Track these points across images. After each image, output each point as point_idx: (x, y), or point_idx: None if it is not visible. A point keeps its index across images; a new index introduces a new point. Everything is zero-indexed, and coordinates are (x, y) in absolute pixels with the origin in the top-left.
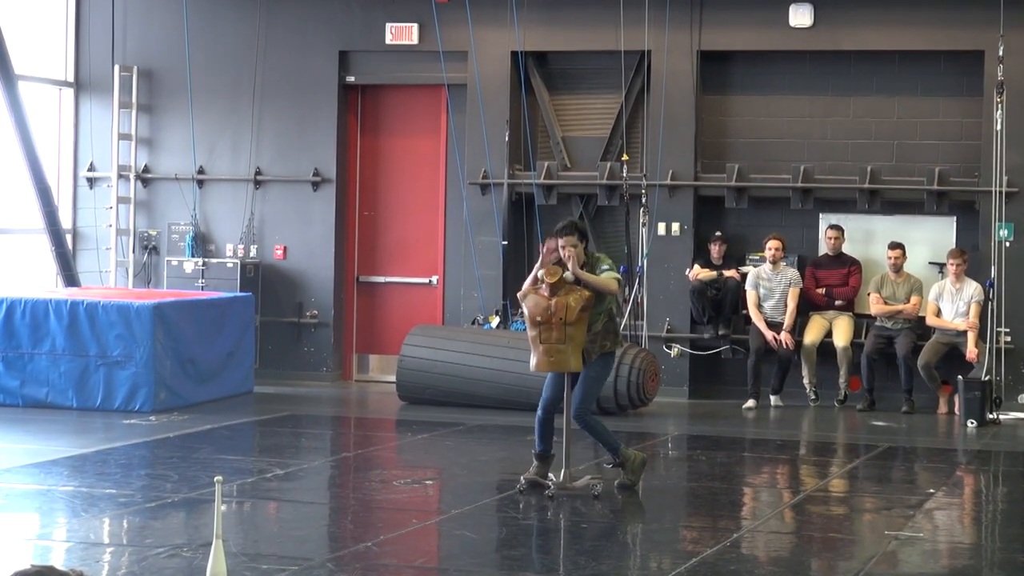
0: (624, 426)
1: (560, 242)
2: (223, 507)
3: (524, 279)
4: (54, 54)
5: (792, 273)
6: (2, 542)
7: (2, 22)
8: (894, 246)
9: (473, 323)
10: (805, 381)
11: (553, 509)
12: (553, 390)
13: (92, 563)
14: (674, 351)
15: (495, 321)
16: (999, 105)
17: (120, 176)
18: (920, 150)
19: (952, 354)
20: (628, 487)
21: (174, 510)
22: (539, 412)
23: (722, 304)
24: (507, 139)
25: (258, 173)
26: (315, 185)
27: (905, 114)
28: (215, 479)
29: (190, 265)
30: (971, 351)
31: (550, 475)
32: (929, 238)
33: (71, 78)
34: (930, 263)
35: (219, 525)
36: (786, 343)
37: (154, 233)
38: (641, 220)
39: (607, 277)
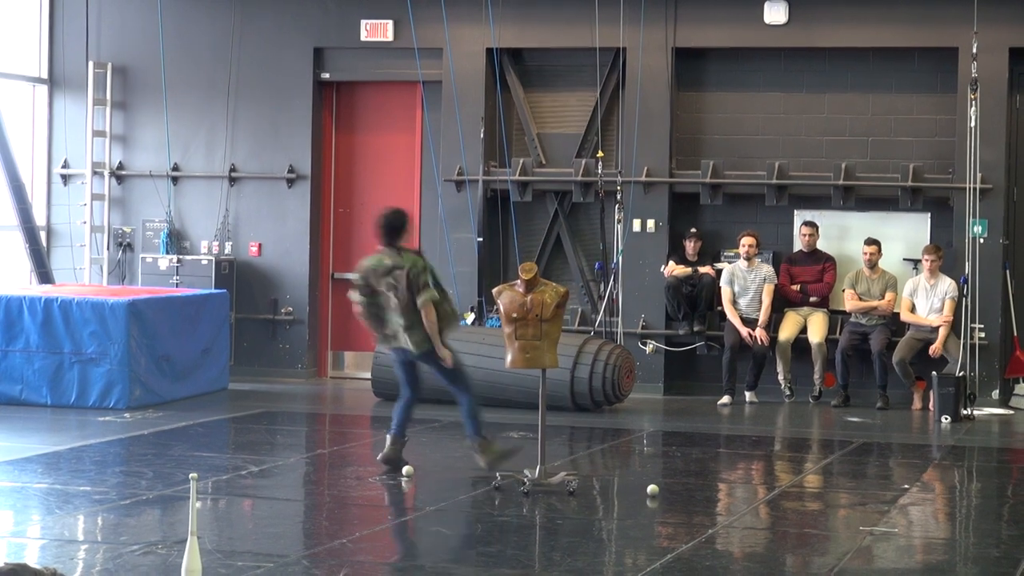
0: (599, 422)
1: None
2: (198, 504)
3: (500, 276)
4: (28, 50)
5: (767, 269)
6: None
7: None
8: (869, 242)
9: None
10: (780, 377)
11: (528, 505)
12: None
13: (66, 560)
14: (649, 347)
15: (470, 318)
16: (973, 102)
17: (94, 173)
18: (894, 147)
19: (927, 350)
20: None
21: (149, 507)
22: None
23: (697, 300)
24: (482, 136)
25: (233, 170)
26: (290, 182)
27: (879, 111)
28: (190, 476)
29: (165, 262)
30: (936, 346)
31: (525, 471)
32: (904, 234)
33: (45, 75)
34: (905, 259)
35: (194, 522)
36: (761, 339)
37: (129, 230)
38: (616, 217)
39: (425, 301)
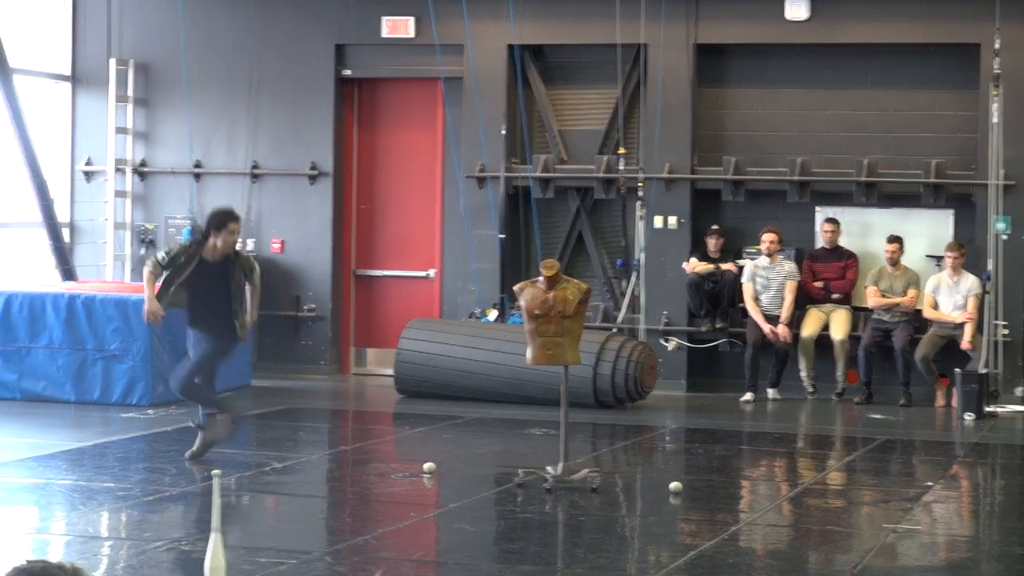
0: (621, 419)
1: (231, 227)
2: (221, 500)
3: (522, 272)
4: (51, 48)
5: (789, 266)
6: (0, 536)
7: None
8: (892, 239)
9: (470, 316)
10: (802, 374)
11: (551, 502)
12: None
13: (90, 557)
14: (671, 344)
15: (492, 314)
16: (995, 98)
17: (117, 170)
18: (917, 143)
19: (949, 347)
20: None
21: (172, 503)
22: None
23: (719, 297)
24: (504, 132)
25: (255, 167)
26: (312, 179)
27: (901, 107)
28: (213, 473)
29: None
30: (966, 341)
31: (548, 468)
32: (926, 231)
33: (68, 72)
34: (927, 256)
35: (217, 518)
36: (783, 336)
37: (151, 227)
38: (638, 213)
39: (258, 281)
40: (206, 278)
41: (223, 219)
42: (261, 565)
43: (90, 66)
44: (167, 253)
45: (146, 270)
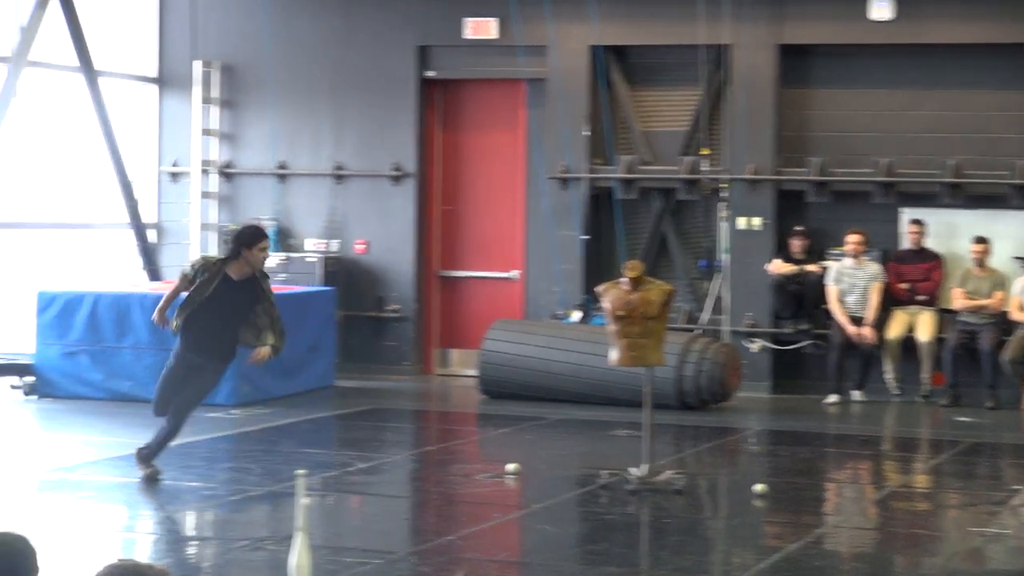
0: (705, 421)
1: (261, 244)
2: (306, 500)
3: (605, 274)
4: (137, 50)
5: (874, 268)
6: (89, 535)
7: (84, 19)
8: (978, 240)
9: (554, 317)
10: (888, 376)
11: (635, 504)
12: (182, 383)
13: (177, 556)
14: (755, 346)
15: (576, 315)
16: None
17: (202, 171)
18: (1004, 144)
19: None
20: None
21: (257, 503)
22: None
23: (804, 299)
24: (587, 133)
25: (339, 168)
26: (395, 180)
27: (988, 107)
28: (297, 472)
29: (272, 260)
30: None
31: (631, 469)
32: (1013, 232)
33: (154, 74)
34: (1014, 258)
35: (302, 518)
36: (869, 338)
37: (235, 227)
38: (721, 215)
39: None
40: (227, 296)
41: (253, 237)
42: (346, 565)
43: (176, 68)
44: (193, 266)
45: (178, 277)
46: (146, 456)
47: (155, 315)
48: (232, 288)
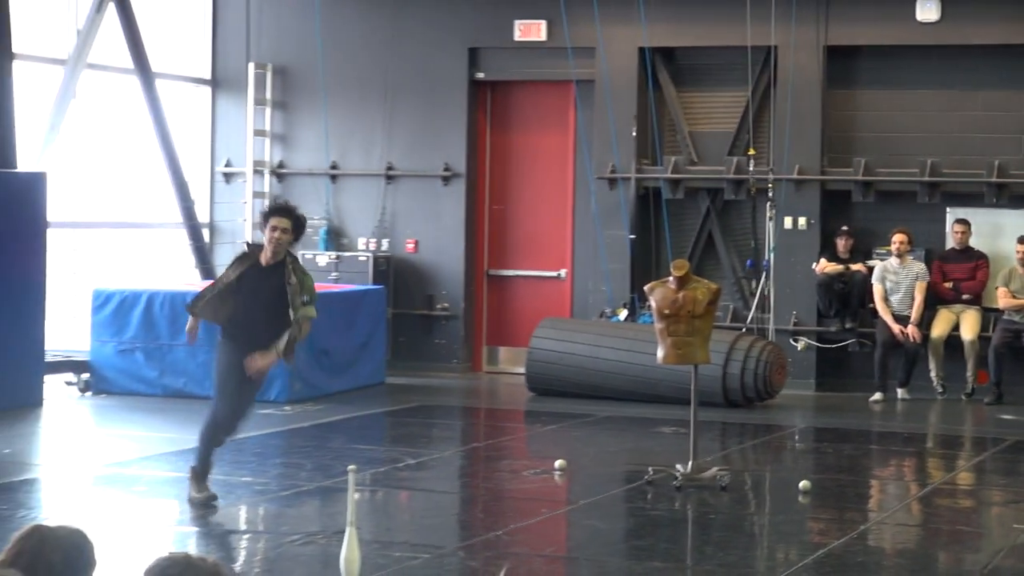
0: (751, 418)
1: (271, 223)
2: (356, 495)
3: (652, 273)
4: (191, 53)
5: (919, 267)
6: (143, 529)
7: (141, 22)
8: (1023, 240)
9: (601, 316)
10: (932, 374)
11: (680, 500)
12: (234, 389)
13: (229, 550)
14: (801, 344)
15: (623, 314)
16: None
17: (255, 171)
18: None
19: None
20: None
21: (308, 498)
22: (225, 423)
23: (849, 297)
24: (634, 134)
25: (390, 168)
26: (445, 180)
27: None
28: (348, 468)
29: (324, 259)
30: None
31: (677, 466)
32: None
33: (208, 76)
34: None
35: (352, 513)
36: (913, 336)
37: None
38: (768, 214)
39: (310, 316)
40: (255, 284)
41: (265, 214)
42: (395, 559)
43: (229, 70)
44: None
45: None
46: (202, 473)
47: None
48: (260, 275)
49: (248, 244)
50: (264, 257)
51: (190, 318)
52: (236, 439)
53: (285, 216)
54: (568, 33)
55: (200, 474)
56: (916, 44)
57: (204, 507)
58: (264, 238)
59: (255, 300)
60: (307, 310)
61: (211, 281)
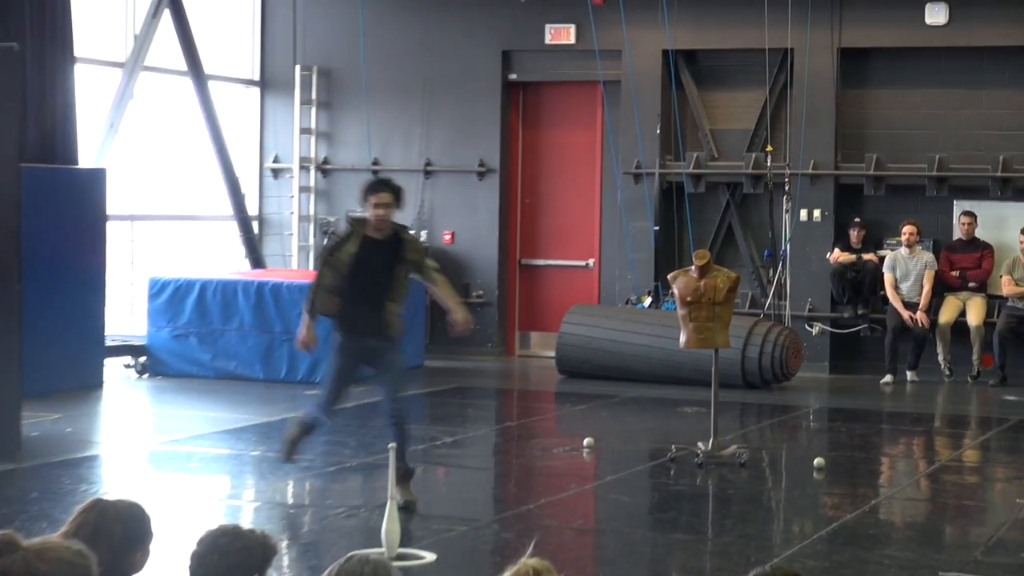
0: (768, 399)
1: (371, 200)
2: (396, 472)
3: (675, 262)
4: (241, 56)
5: (927, 256)
6: (195, 502)
7: (194, 27)
8: None
9: (627, 303)
10: (940, 358)
11: (702, 476)
12: (349, 379)
13: (277, 522)
14: (815, 329)
15: (647, 301)
16: None
17: (302, 167)
18: None
19: None
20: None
21: (352, 474)
22: (316, 418)
23: (861, 285)
24: (658, 131)
25: (428, 164)
26: (480, 175)
27: None
28: (389, 446)
29: None
30: None
31: (699, 444)
32: None
33: (257, 77)
34: None
35: (393, 488)
36: (922, 322)
37: (333, 219)
38: (784, 207)
39: (438, 269)
40: (369, 259)
41: (364, 190)
42: (433, 531)
43: (277, 72)
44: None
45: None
46: (404, 476)
47: (297, 343)
48: (373, 248)
49: (349, 220)
50: (371, 231)
51: (303, 326)
52: (285, 419)
53: (384, 191)
54: (596, 36)
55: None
56: (925, 46)
57: (407, 510)
58: (367, 214)
59: (370, 273)
60: (432, 265)
61: (313, 272)
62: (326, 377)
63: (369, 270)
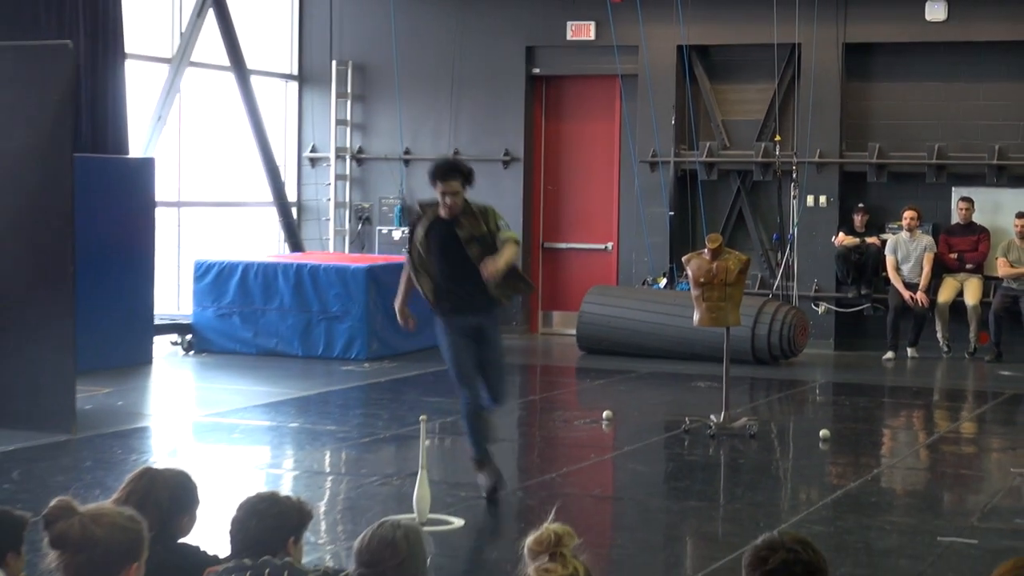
0: (776, 374)
1: (439, 187)
2: (427, 442)
3: (689, 245)
4: (281, 52)
5: (927, 240)
6: (238, 470)
7: (237, 26)
8: (1020, 215)
9: (643, 284)
10: (938, 335)
11: (714, 447)
12: (471, 369)
13: (315, 490)
14: (821, 308)
15: (663, 282)
16: None
17: (338, 157)
18: None
19: None
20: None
21: (385, 444)
22: (469, 404)
23: (864, 267)
24: (673, 122)
25: (456, 153)
26: (505, 164)
27: None
28: (420, 418)
29: (398, 233)
30: None
31: (711, 416)
32: None
33: (295, 72)
34: None
35: (424, 457)
36: (921, 302)
37: (367, 206)
38: (792, 193)
39: (508, 238)
40: (441, 239)
41: (431, 174)
42: (461, 498)
43: (314, 67)
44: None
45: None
46: (482, 459)
47: (398, 309)
48: (446, 228)
49: (420, 204)
50: (447, 211)
51: (397, 308)
52: (321, 392)
53: (452, 178)
54: (614, 33)
55: (480, 462)
56: (925, 41)
57: (492, 492)
58: (438, 199)
59: (447, 253)
60: (506, 233)
61: (403, 257)
62: (448, 365)
63: (445, 250)
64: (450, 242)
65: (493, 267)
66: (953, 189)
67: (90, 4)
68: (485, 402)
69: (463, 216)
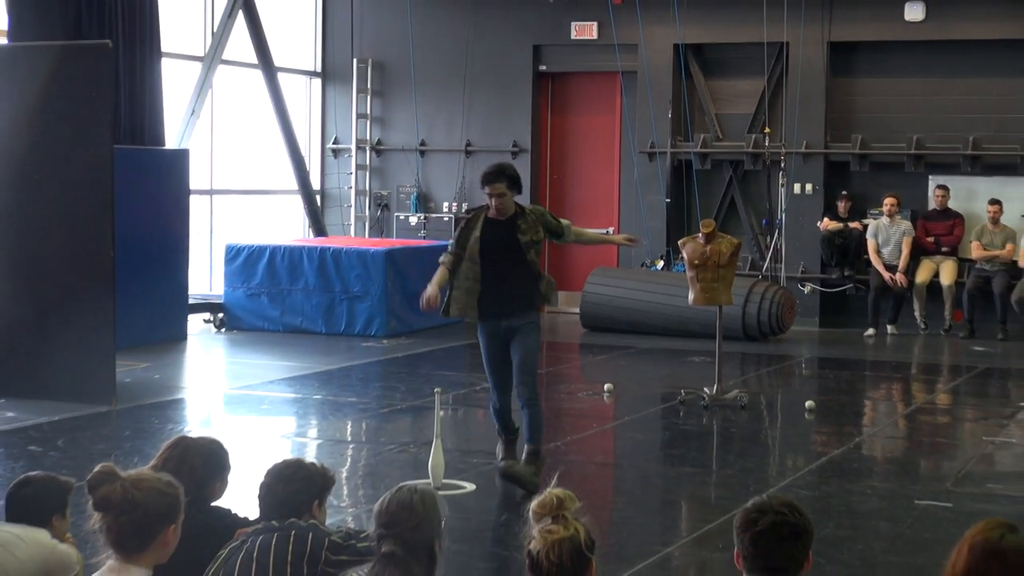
0: (765, 349)
1: (486, 191)
2: (441, 413)
3: (684, 230)
4: (305, 51)
5: (906, 225)
6: (266, 439)
7: (265, 26)
8: (992, 202)
9: (642, 266)
10: (916, 314)
11: (707, 417)
12: (500, 362)
13: (338, 456)
14: (807, 288)
15: (660, 264)
16: None
17: (358, 148)
18: (1015, 122)
19: None
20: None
21: (402, 415)
22: (496, 406)
23: (847, 250)
24: (670, 116)
25: (468, 145)
26: (514, 154)
27: (1003, 92)
28: (435, 390)
29: (414, 219)
30: None
31: (704, 389)
32: (1022, 195)
33: (319, 69)
34: (1023, 216)
35: (438, 427)
36: (901, 282)
37: (385, 193)
38: (780, 181)
39: (577, 230)
40: (494, 241)
41: (482, 179)
42: (473, 465)
43: (337, 65)
44: (455, 239)
45: (440, 266)
46: (533, 454)
47: (422, 301)
48: (498, 231)
49: (469, 210)
50: (497, 212)
51: (426, 298)
52: (344, 367)
53: (498, 181)
54: (615, 32)
55: (506, 440)
56: (904, 40)
57: (505, 471)
58: (487, 203)
59: (498, 255)
60: (568, 226)
61: (440, 270)
62: (486, 367)
63: (497, 252)
64: (509, 242)
65: (626, 237)
66: (930, 177)
67: (128, 7)
68: (518, 402)
69: (522, 220)
